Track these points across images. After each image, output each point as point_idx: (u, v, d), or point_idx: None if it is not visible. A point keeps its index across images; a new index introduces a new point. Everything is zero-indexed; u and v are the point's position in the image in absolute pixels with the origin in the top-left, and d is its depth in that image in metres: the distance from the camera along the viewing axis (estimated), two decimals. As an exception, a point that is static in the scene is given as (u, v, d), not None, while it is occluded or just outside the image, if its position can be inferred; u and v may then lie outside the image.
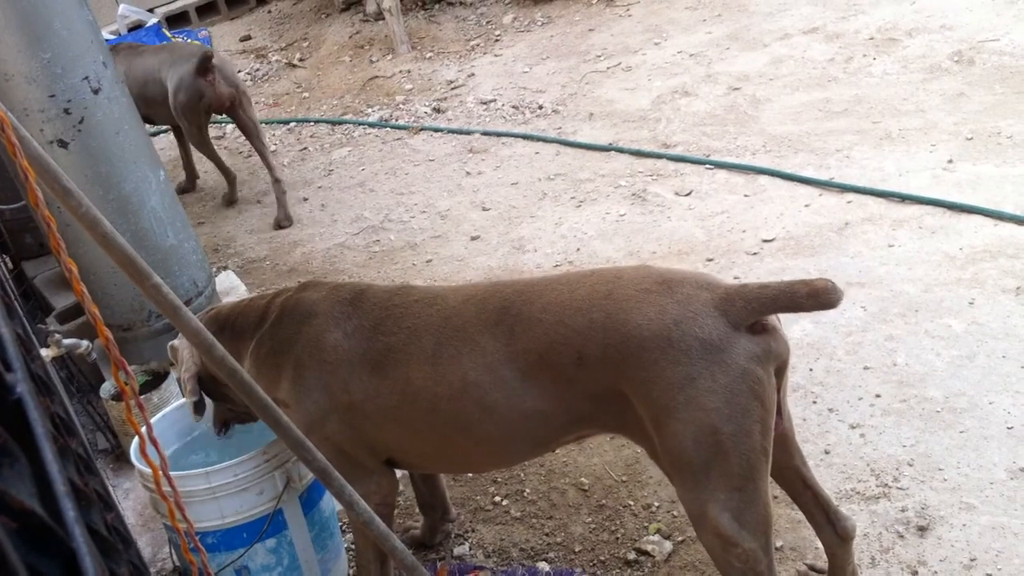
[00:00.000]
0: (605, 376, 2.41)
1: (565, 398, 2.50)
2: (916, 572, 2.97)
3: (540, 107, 7.58)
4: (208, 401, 3.11)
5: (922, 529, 3.12)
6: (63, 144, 3.76)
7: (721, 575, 2.57)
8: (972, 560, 2.97)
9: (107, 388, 4.06)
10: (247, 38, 11.10)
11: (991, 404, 3.57)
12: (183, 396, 3.00)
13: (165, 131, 8.90)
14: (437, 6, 10.13)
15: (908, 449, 3.46)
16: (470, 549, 3.48)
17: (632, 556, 3.28)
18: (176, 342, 3.11)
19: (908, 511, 3.19)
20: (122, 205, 3.91)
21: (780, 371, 2.43)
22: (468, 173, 6.72)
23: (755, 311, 2.34)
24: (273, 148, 8.01)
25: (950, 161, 5.36)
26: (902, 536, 3.12)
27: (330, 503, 3.33)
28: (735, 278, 4.75)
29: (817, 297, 2.33)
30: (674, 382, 2.31)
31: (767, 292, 2.34)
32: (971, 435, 3.45)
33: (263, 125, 8.50)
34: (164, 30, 10.47)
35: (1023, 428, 3.42)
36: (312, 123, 8.38)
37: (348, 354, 2.74)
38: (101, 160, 3.84)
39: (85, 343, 3.61)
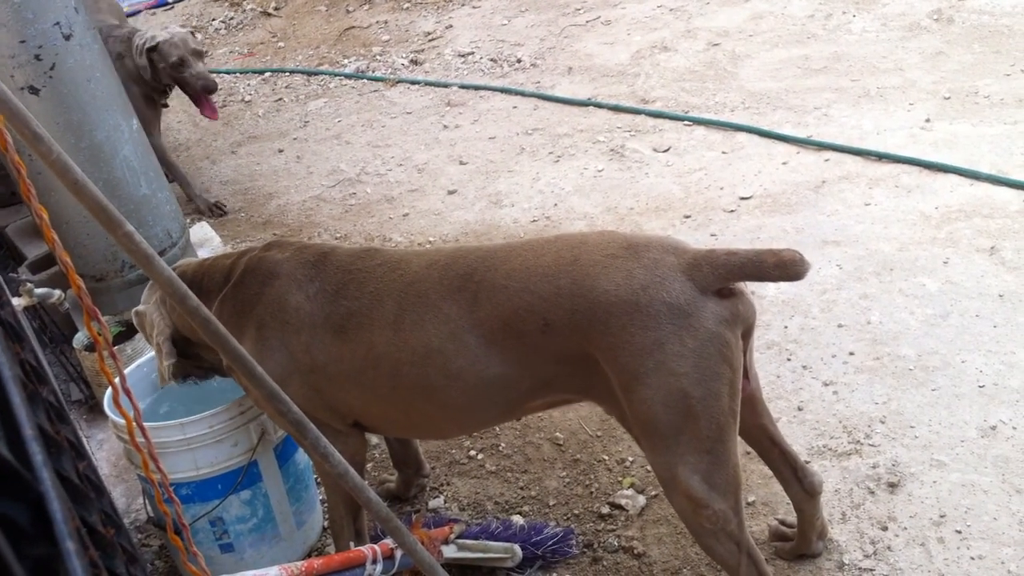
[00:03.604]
0: (572, 342, 2.40)
1: (530, 365, 2.49)
2: (886, 528, 3.00)
3: (518, 60, 7.52)
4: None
5: (893, 486, 3.15)
6: (34, 91, 3.69)
7: (692, 536, 2.59)
8: (942, 517, 3.00)
9: (80, 338, 4.03)
10: (222, -14, 10.94)
11: (963, 363, 3.60)
12: (160, 361, 2.97)
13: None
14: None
15: (880, 406, 3.48)
16: (445, 502, 3.49)
17: (606, 510, 3.30)
18: (141, 308, 3.06)
19: (879, 468, 3.22)
20: (94, 154, 3.85)
21: (747, 334, 2.44)
22: (445, 126, 6.67)
23: (722, 277, 2.33)
24: (248, 98, 7.92)
25: (927, 120, 5.37)
26: (873, 492, 3.14)
27: (305, 456, 3.33)
28: (712, 235, 4.75)
29: (784, 268, 2.32)
30: (643, 347, 2.30)
31: (734, 259, 2.33)
32: (943, 393, 3.48)
33: (238, 74, 8.43)
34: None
35: (994, 387, 3.45)
36: (287, 73, 8.29)
37: (311, 317, 2.71)
38: (73, 107, 3.78)
39: (58, 292, 3.57)
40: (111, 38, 5.75)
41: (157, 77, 5.77)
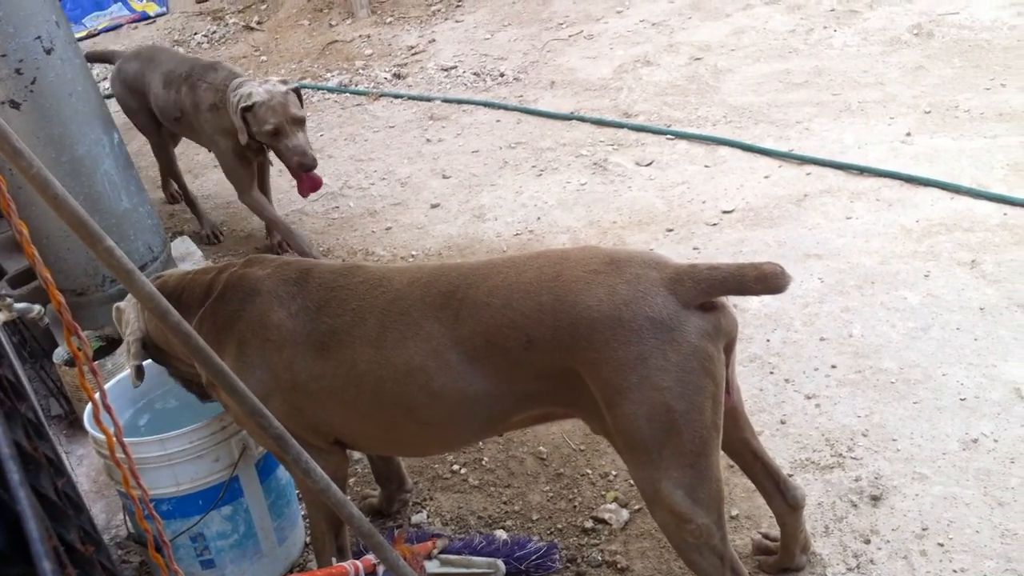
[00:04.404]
0: (555, 359, 2.40)
1: (513, 381, 2.48)
2: (869, 541, 3.00)
3: (501, 74, 7.54)
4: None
5: (875, 499, 3.15)
6: (15, 105, 3.68)
7: (675, 550, 2.58)
8: (924, 530, 3.00)
9: (60, 353, 4.01)
10: None
11: (944, 376, 3.61)
12: (128, 359, 2.96)
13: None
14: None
15: (862, 419, 3.49)
16: (428, 517, 3.47)
17: (589, 524, 3.29)
18: (122, 304, 3.06)
19: (862, 481, 3.23)
20: (75, 168, 3.84)
21: (729, 347, 2.44)
22: (428, 140, 6.67)
23: (704, 292, 2.33)
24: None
25: (908, 134, 5.40)
26: (855, 505, 3.15)
27: (287, 471, 3.31)
28: (694, 249, 4.76)
29: (765, 281, 2.33)
30: (626, 362, 2.30)
31: (716, 274, 2.34)
32: (924, 406, 3.49)
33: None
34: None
35: (975, 399, 3.46)
36: (270, 88, 8.27)
37: (292, 334, 2.70)
38: (54, 122, 3.76)
39: (37, 307, 3.55)
40: (203, 83, 5.19)
41: (254, 139, 5.01)
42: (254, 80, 5.02)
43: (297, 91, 4.99)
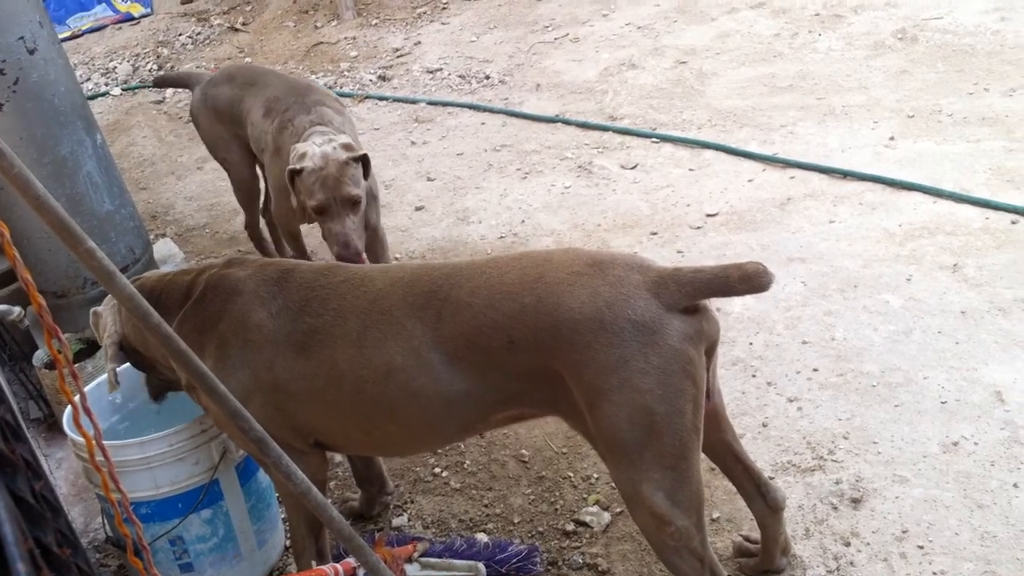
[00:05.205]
0: (536, 360, 2.40)
1: (494, 382, 2.48)
2: (849, 543, 3.02)
3: (487, 77, 7.54)
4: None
5: (856, 501, 3.16)
6: (-4, 105, 3.66)
7: (655, 552, 2.59)
8: (904, 532, 3.02)
9: (40, 356, 3.99)
10: (189, 0, 10.90)
11: (926, 379, 3.63)
12: (106, 363, 2.94)
13: (103, 95, 8.75)
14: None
15: (844, 423, 3.50)
16: (409, 520, 3.47)
17: (571, 527, 3.30)
18: (99, 308, 3.05)
19: (842, 483, 3.24)
20: (57, 169, 3.82)
21: (711, 350, 2.44)
22: (413, 143, 6.67)
23: (688, 295, 2.34)
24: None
25: (891, 138, 5.43)
26: (836, 508, 3.16)
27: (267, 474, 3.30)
28: (678, 252, 4.77)
29: (749, 281, 2.33)
30: (607, 364, 2.30)
31: (700, 277, 2.35)
32: (906, 409, 3.51)
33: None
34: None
35: (956, 403, 3.48)
36: (255, 89, 8.25)
37: (273, 334, 2.69)
38: (36, 122, 3.75)
39: (18, 309, 3.54)
40: (290, 126, 4.24)
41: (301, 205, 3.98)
42: (324, 135, 4.02)
43: (364, 160, 3.93)
